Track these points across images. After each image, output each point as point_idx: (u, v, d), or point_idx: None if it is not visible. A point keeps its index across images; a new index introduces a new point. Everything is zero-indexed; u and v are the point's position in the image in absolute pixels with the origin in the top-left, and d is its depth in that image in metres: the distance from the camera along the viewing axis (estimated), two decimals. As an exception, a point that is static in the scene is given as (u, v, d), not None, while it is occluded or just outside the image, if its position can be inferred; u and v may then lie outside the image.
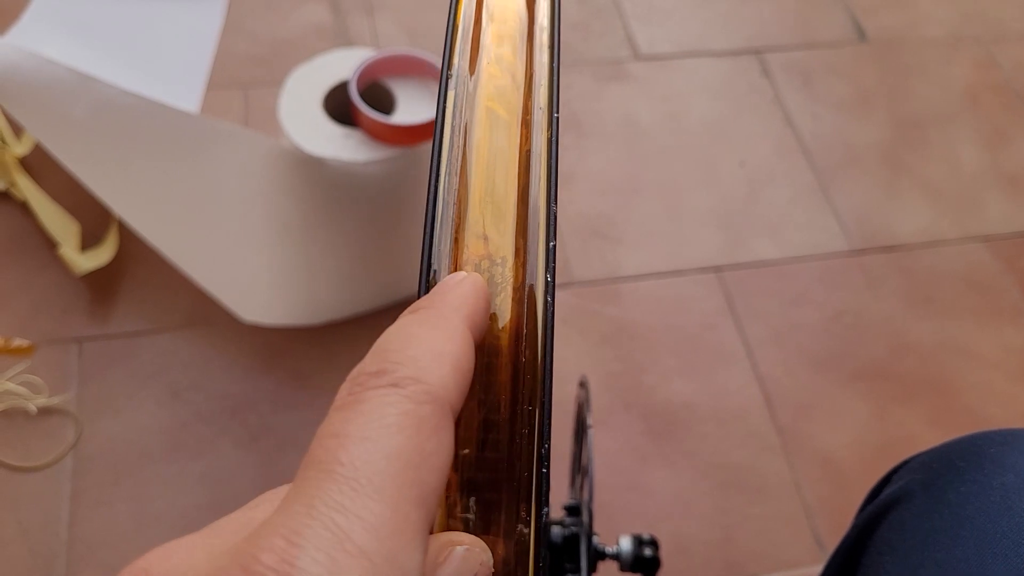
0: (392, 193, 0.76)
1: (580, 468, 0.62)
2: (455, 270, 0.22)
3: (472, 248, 0.23)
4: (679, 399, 0.88)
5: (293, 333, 0.86)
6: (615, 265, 0.96)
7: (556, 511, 0.61)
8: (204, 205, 0.79)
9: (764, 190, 1.04)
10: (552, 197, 0.23)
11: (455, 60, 0.25)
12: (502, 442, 0.21)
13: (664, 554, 0.80)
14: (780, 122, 1.11)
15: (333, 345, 0.86)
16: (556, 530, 0.56)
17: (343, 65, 0.75)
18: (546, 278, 0.22)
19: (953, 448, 0.37)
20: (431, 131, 0.71)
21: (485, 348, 0.22)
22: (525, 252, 0.23)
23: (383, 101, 0.75)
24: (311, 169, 0.73)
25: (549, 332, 0.22)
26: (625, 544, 0.59)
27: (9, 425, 0.80)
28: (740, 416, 0.88)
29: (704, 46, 1.17)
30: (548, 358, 0.22)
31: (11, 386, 0.80)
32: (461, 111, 0.24)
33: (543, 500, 0.21)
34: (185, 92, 1.03)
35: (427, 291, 0.22)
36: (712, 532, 0.81)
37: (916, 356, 0.94)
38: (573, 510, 0.59)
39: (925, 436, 0.88)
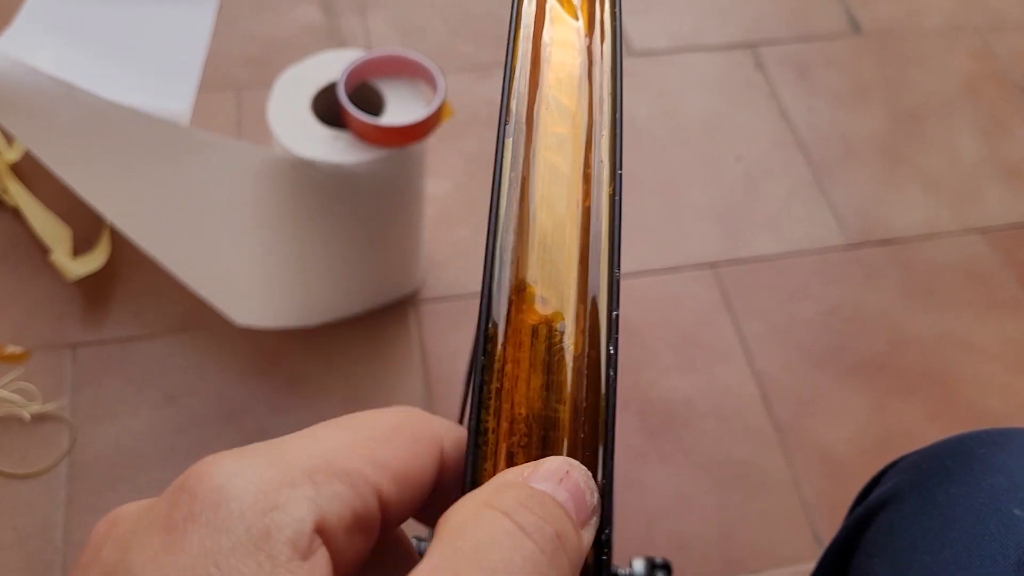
0: (382, 194, 0.76)
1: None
2: (512, 333, 0.21)
3: (529, 311, 0.21)
4: (676, 396, 0.88)
5: (287, 335, 0.86)
6: (611, 262, 0.96)
7: None
8: (194, 209, 0.78)
9: (760, 185, 1.04)
10: (615, 262, 0.22)
11: (512, 105, 0.24)
12: None
13: (663, 551, 0.80)
14: (776, 116, 1.10)
15: (327, 346, 0.86)
16: None
17: (332, 67, 0.75)
18: (608, 350, 0.21)
19: (942, 448, 0.37)
20: (420, 132, 0.70)
21: (542, 420, 0.20)
22: (586, 319, 0.21)
23: (372, 102, 0.74)
24: (300, 171, 0.72)
25: (611, 410, 0.20)
26: (638, 567, 0.59)
27: (3, 432, 0.79)
28: (738, 412, 0.87)
29: (698, 40, 1.16)
30: (610, 437, 0.20)
31: (5, 393, 0.80)
32: (518, 160, 0.23)
33: None
34: (178, 94, 1.03)
35: (485, 349, 0.21)
36: (711, 528, 0.81)
37: (915, 349, 0.93)
38: None
39: (924, 430, 0.88)
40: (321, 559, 0.17)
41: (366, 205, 0.76)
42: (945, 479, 0.35)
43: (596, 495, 0.20)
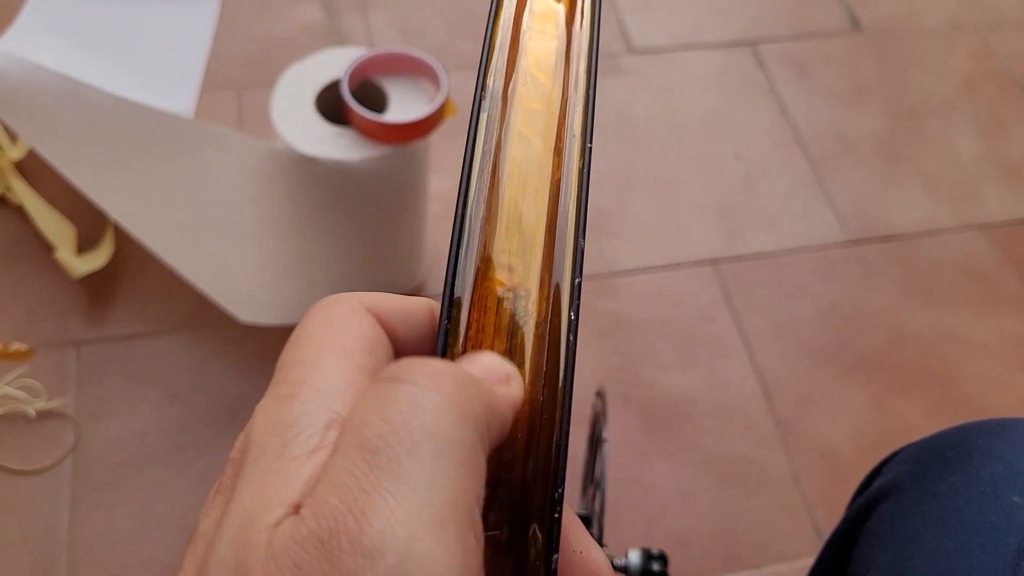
0: (386, 191, 0.76)
1: (593, 479, 0.61)
2: (478, 299, 0.22)
3: (496, 278, 0.22)
4: (678, 392, 0.88)
5: (290, 332, 0.86)
6: (612, 259, 0.96)
7: None
8: (198, 207, 0.79)
9: (760, 182, 1.04)
10: (580, 231, 0.22)
11: (489, 80, 0.24)
12: (515, 482, 0.20)
13: (665, 547, 0.80)
14: (775, 114, 1.10)
15: (330, 344, 0.86)
16: None
17: (335, 64, 0.75)
18: (570, 316, 0.21)
19: (943, 439, 0.37)
20: (423, 129, 0.71)
21: None
22: (550, 286, 0.22)
23: (375, 99, 0.74)
24: (304, 169, 0.73)
25: (569, 373, 0.21)
26: (634, 557, 0.59)
27: (8, 429, 0.80)
28: (739, 409, 0.88)
29: (698, 38, 1.16)
30: (567, 398, 0.21)
31: (9, 390, 0.80)
32: (492, 134, 0.23)
33: (553, 546, 0.20)
34: (180, 93, 1.03)
35: (449, 314, 0.21)
36: (712, 524, 0.81)
37: (914, 346, 0.94)
38: (584, 521, 0.59)
39: (924, 426, 0.88)
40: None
41: (370, 202, 0.76)
42: (945, 469, 0.35)
43: (512, 366, 0.21)
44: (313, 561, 0.16)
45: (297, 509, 0.17)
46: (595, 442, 0.63)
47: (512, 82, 0.24)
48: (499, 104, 0.24)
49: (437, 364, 0.18)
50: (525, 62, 0.25)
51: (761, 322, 0.93)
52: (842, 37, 1.19)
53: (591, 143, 0.23)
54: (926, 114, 1.13)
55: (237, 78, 1.05)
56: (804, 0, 1.22)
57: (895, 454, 0.40)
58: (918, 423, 0.88)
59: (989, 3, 1.26)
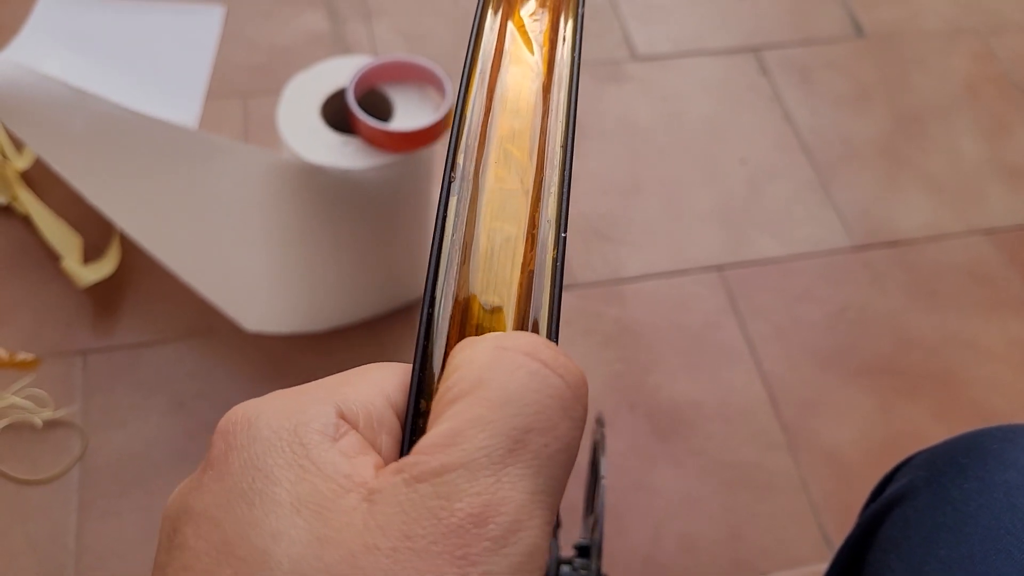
0: (392, 199, 0.76)
1: (593, 510, 0.60)
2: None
3: None
4: (684, 398, 0.88)
5: (296, 341, 0.87)
6: (617, 266, 0.96)
7: (567, 549, 0.61)
8: (205, 215, 0.79)
9: (765, 188, 1.04)
10: (552, 332, 0.21)
11: (459, 159, 0.23)
12: None
13: (672, 553, 0.80)
14: (779, 119, 1.10)
15: (336, 352, 0.87)
16: (565, 570, 0.55)
17: (341, 73, 0.75)
18: None
19: (956, 445, 0.37)
20: (429, 137, 0.71)
21: None
22: None
23: (381, 108, 0.75)
24: (310, 177, 0.73)
25: None
26: None
27: (15, 439, 0.80)
28: (745, 414, 0.88)
29: (701, 45, 1.17)
30: None
31: (16, 400, 0.80)
32: (463, 221, 0.22)
33: None
34: (184, 102, 1.03)
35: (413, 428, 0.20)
36: (719, 530, 0.81)
37: (921, 350, 0.94)
38: (583, 550, 0.58)
39: (931, 431, 0.88)
40: (353, 438, 0.18)
41: (375, 210, 0.76)
42: (959, 475, 0.35)
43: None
44: (436, 539, 0.16)
45: (388, 481, 0.17)
46: (595, 473, 0.62)
47: (483, 159, 0.23)
48: (469, 186, 0.22)
49: (571, 365, 0.19)
50: (497, 135, 0.23)
51: (767, 327, 0.93)
52: (845, 42, 1.19)
53: (565, 232, 0.22)
54: (929, 118, 1.13)
55: (242, 87, 1.06)
56: (807, 6, 1.22)
57: (908, 460, 0.40)
58: (925, 427, 0.88)
59: (990, 6, 1.26)
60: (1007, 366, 0.93)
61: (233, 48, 1.09)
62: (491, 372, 0.18)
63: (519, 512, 0.16)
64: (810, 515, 0.82)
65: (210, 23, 1.10)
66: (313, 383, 0.20)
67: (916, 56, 1.19)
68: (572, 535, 0.67)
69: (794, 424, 0.87)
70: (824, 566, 0.42)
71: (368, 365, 0.22)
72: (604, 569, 0.58)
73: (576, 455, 0.18)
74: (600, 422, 0.62)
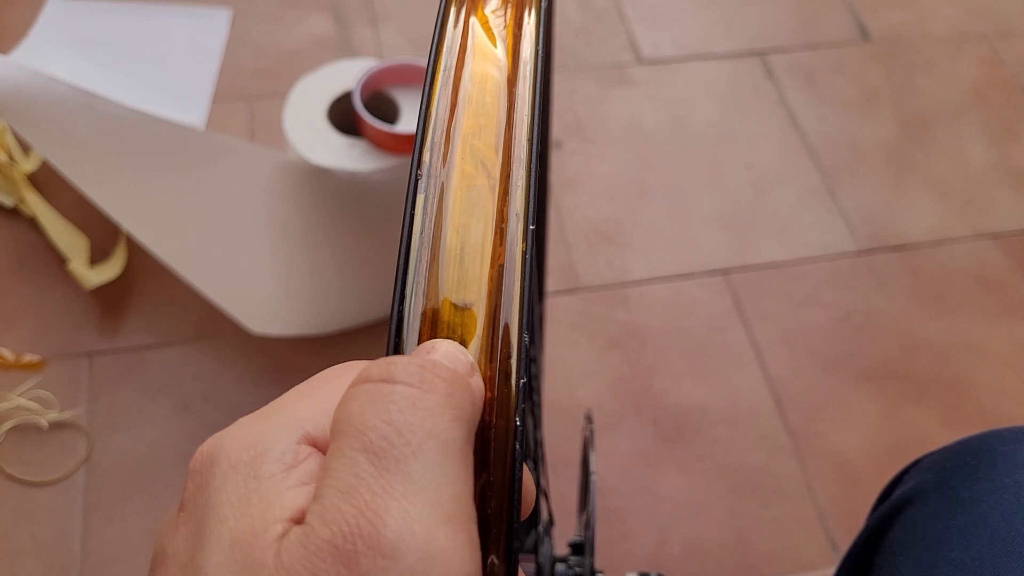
0: (397, 201, 0.76)
1: (585, 508, 0.60)
2: None
3: None
4: (689, 402, 0.88)
5: (302, 343, 0.87)
6: (622, 269, 0.96)
7: (561, 548, 0.61)
8: (211, 218, 0.79)
9: (770, 191, 1.04)
10: (524, 325, 0.21)
11: (425, 157, 0.23)
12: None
13: (677, 558, 0.80)
14: (785, 123, 1.10)
15: (341, 354, 0.87)
16: (560, 568, 0.55)
17: (347, 75, 0.75)
18: (515, 422, 0.20)
19: (965, 447, 0.37)
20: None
21: None
22: (494, 386, 0.21)
23: (387, 110, 0.75)
24: (316, 179, 0.73)
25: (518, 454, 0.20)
26: None
27: (21, 440, 0.80)
28: (751, 418, 0.87)
29: (707, 48, 1.17)
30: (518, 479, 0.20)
31: (22, 401, 0.81)
32: (430, 219, 0.22)
33: None
34: (191, 106, 1.04)
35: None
36: (725, 535, 0.81)
37: (927, 355, 0.93)
38: (578, 548, 0.58)
39: (937, 435, 0.88)
40: (311, 464, 0.18)
41: (381, 212, 0.76)
42: (968, 477, 0.35)
43: (468, 355, 0.20)
44: (330, 568, 0.16)
45: (299, 520, 0.17)
46: (586, 470, 0.62)
47: (449, 154, 0.23)
48: (437, 182, 0.22)
49: (424, 362, 0.19)
50: (463, 128, 0.23)
51: (773, 331, 0.93)
52: (851, 46, 1.19)
53: (533, 224, 0.22)
54: (935, 122, 1.13)
55: (248, 90, 1.06)
56: (813, 10, 1.22)
57: (916, 462, 0.40)
58: (932, 432, 0.88)
59: (997, 11, 1.26)
60: (1014, 371, 0.93)
61: (239, 51, 1.09)
62: (338, 411, 0.19)
63: (403, 517, 0.16)
64: (816, 520, 0.82)
65: (216, 27, 1.11)
66: (277, 402, 0.21)
67: (923, 60, 1.19)
68: (567, 533, 0.67)
69: (800, 429, 0.87)
70: (831, 570, 0.42)
71: (335, 368, 0.22)
72: (601, 568, 0.58)
73: (460, 435, 0.18)
74: (588, 418, 0.62)
